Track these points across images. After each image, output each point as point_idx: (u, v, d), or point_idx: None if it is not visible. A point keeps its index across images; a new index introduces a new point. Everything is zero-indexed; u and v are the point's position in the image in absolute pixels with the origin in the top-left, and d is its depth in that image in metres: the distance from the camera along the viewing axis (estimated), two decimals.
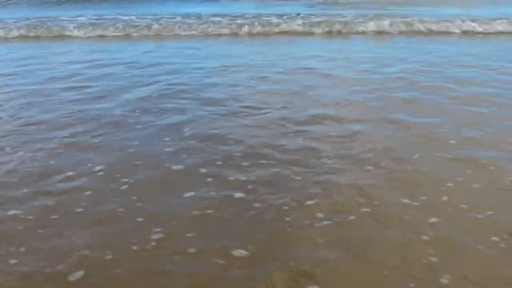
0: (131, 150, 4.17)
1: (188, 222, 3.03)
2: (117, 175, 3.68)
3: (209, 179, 3.60)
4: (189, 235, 2.88)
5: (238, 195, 3.32)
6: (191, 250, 2.73)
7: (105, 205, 3.26)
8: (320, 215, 3.07)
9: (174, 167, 3.81)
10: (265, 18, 11.09)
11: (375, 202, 3.22)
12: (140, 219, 3.06)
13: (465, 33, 10.05)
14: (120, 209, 3.20)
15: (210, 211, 3.14)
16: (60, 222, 3.07)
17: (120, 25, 10.70)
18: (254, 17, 11.28)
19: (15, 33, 10.55)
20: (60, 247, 2.80)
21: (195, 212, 3.13)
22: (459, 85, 6.05)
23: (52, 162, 3.97)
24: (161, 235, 2.89)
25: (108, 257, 2.69)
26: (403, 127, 4.65)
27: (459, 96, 5.62)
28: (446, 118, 4.87)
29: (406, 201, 3.23)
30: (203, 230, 2.94)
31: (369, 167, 3.76)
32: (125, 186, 3.52)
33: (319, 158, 3.93)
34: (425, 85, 6.13)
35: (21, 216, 3.15)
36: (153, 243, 2.80)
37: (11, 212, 3.19)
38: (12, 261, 2.69)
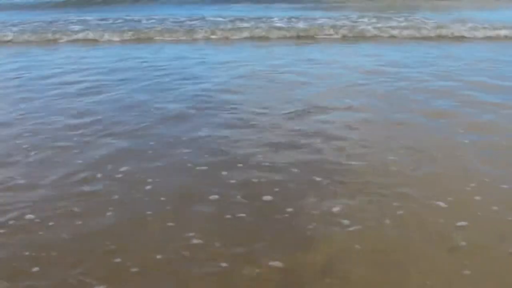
0: (150, 151, 4.01)
1: (222, 227, 2.87)
2: (142, 177, 3.51)
3: (232, 181, 3.44)
4: (223, 242, 2.71)
5: (267, 198, 3.17)
6: (225, 263, 2.53)
7: (133, 208, 3.10)
8: (346, 222, 2.90)
9: (196, 169, 3.65)
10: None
11: (406, 204, 3.08)
12: (171, 224, 2.91)
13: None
14: (149, 212, 3.05)
15: (242, 215, 2.99)
16: (84, 228, 2.91)
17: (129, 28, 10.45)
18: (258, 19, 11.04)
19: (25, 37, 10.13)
20: (85, 256, 2.62)
21: (227, 216, 2.98)
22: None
23: (76, 162, 3.80)
24: (197, 241, 2.72)
25: (134, 269, 2.50)
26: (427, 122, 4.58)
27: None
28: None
29: (440, 203, 3.09)
30: (237, 237, 2.77)
31: (394, 168, 3.62)
32: (148, 187, 3.36)
33: (343, 159, 3.77)
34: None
35: (37, 220, 2.97)
36: (186, 253, 2.62)
37: (29, 216, 3.01)
38: (35, 269, 2.54)
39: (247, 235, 2.79)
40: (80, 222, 2.96)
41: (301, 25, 10.28)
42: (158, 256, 2.59)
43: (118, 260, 2.57)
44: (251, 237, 2.76)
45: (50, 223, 2.95)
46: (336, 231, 2.81)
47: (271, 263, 2.51)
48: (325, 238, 2.73)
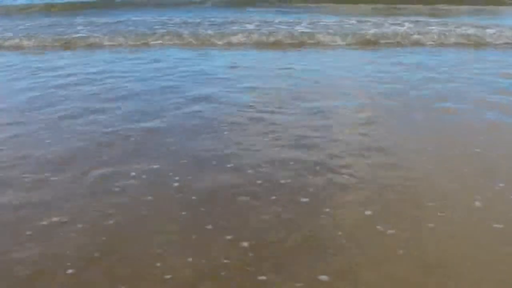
0: (173, 147, 3.80)
1: (259, 230, 2.66)
2: (170, 174, 3.32)
3: (259, 181, 3.24)
4: (260, 248, 2.49)
5: (304, 200, 2.97)
6: (263, 276, 2.30)
7: (165, 208, 2.89)
8: (380, 228, 2.68)
9: (221, 167, 3.45)
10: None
11: (440, 205, 2.90)
12: (209, 227, 2.70)
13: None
14: (183, 212, 2.83)
15: (288, 216, 2.78)
16: (117, 229, 2.70)
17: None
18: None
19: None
20: (119, 260, 2.42)
21: (264, 217, 2.77)
22: None
23: (101, 158, 3.58)
24: (237, 246, 2.50)
25: (167, 276, 2.28)
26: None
27: None
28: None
29: (477, 204, 2.92)
30: (277, 244, 2.55)
31: (421, 166, 3.44)
32: (176, 184, 3.17)
33: (370, 158, 3.59)
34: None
35: (64, 219, 2.77)
36: (226, 260, 2.39)
37: (55, 219, 2.80)
38: (70, 271, 2.35)
39: (287, 242, 2.57)
40: (111, 222, 2.76)
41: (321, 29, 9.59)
42: (194, 261, 2.39)
43: (157, 264, 2.37)
44: (292, 245, 2.54)
45: (79, 225, 2.73)
46: (373, 237, 2.61)
47: (319, 276, 2.29)
48: (365, 245, 2.54)
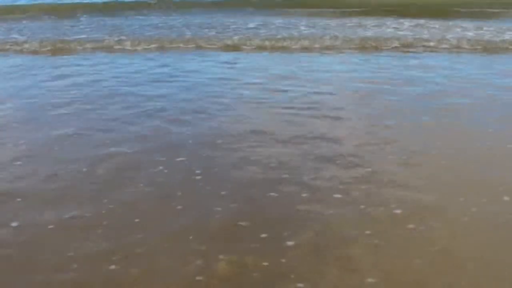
0: (190, 141, 3.62)
1: (293, 227, 2.48)
2: (193, 168, 3.15)
3: (286, 176, 3.06)
4: (299, 249, 2.32)
5: (337, 196, 2.81)
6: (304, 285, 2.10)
7: (198, 204, 2.71)
8: (411, 226, 2.53)
9: (247, 161, 3.28)
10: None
11: (474, 198, 2.76)
12: (244, 223, 2.52)
13: None
14: (218, 208, 2.66)
15: (324, 212, 2.61)
16: (142, 227, 2.51)
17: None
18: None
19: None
20: (155, 261, 2.25)
21: (298, 214, 2.61)
22: None
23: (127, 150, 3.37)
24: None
25: (198, 277, 2.09)
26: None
27: None
28: None
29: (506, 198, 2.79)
30: (325, 241, 2.39)
31: (444, 161, 3.29)
32: (199, 177, 3.00)
33: (391, 155, 3.43)
34: None
35: (87, 214, 2.60)
36: (262, 261, 2.20)
37: (75, 213, 2.63)
38: (112, 267, 2.19)
39: (326, 244, 2.39)
40: (137, 220, 2.56)
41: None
42: (227, 260, 2.22)
43: (198, 262, 2.21)
44: (330, 247, 2.37)
45: (105, 222, 2.55)
46: (405, 236, 2.46)
47: (369, 279, 2.13)
48: (400, 244, 2.39)
